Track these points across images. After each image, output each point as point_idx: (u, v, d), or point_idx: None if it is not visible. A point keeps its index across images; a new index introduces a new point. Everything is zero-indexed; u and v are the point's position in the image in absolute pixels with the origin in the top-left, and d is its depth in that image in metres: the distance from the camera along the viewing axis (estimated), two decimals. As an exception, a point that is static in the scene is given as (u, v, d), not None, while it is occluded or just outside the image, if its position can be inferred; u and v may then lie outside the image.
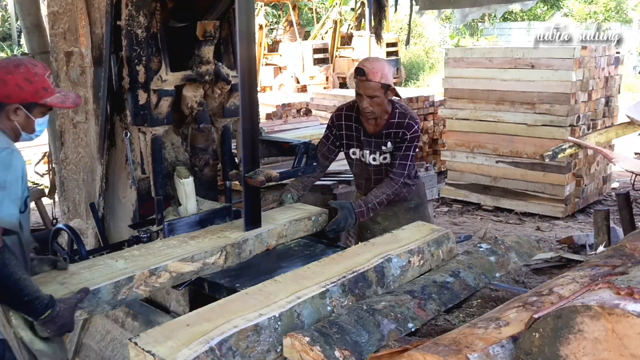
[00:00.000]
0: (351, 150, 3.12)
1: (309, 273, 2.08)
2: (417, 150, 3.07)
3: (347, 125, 3.08)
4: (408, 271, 2.23)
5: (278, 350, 1.71)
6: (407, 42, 11.98)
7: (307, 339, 1.62)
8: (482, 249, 2.40)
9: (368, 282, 2.06)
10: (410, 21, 6.43)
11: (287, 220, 2.70)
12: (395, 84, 3.09)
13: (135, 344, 1.61)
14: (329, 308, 1.89)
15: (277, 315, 1.75)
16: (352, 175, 3.77)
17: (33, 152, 8.26)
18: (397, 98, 3.01)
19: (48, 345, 1.87)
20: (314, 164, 2.80)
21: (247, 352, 1.64)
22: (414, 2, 4.68)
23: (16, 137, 2.02)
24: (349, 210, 2.80)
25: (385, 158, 3.03)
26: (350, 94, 10.87)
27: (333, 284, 1.96)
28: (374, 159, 3.06)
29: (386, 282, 2.13)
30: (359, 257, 2.21)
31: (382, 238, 2.47)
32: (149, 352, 1.57)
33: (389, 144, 2.99)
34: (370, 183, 3.12)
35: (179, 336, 1.63)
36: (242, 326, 1.67)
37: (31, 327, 1.84)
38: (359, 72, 2.86)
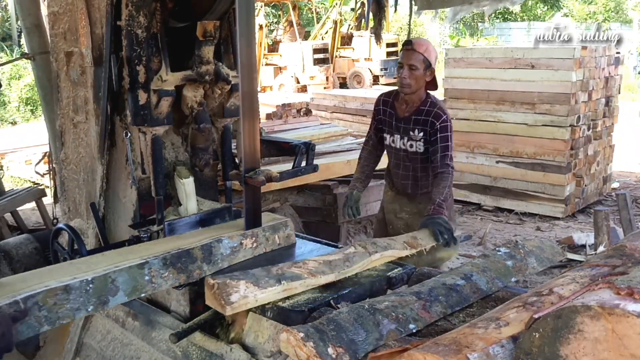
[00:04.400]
0: (385, 136, 3.29)
1: (139, 249, 2.21)
2: (452, 141, 3.11)
3: (383, 110, 3.28)
4: (239, 252, 2.35)
5: (89, 309, 1.88)
6: (407, 43, 11.91)
7: (302, 334, 1.62)
8: (500, 253, 2.34)
9: (192, 258, 2.17)
10: (410, 21, 6.43)
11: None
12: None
13: None
14: (146, 277, 2.02)
15: (89, 279, 1.87)
16: (351, 176, 3.85)
17: (33, 152, 8.23)
18: (433, 91, 3.17)
19: None
20: (315, 164, 2.80)
21: (54, 308, 1.78)
22: (413, 2, 4.70)
23: None
24: (436, 223, 2.70)
25: (412, 146, 3.17)
26: (350, 94, 10.86)
27: (154, 257, 2.07)
28: (403, 144, 3.20)
29: (214, 260, 2.24)
30: (192, 238, 2.32)
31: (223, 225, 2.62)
32: None
33: (417, 132, 3.12)
34: (399, 169, 3.28)
35: None
36: (53, 286, 1.79)
37: None
38: (407, 43, 3.06)
